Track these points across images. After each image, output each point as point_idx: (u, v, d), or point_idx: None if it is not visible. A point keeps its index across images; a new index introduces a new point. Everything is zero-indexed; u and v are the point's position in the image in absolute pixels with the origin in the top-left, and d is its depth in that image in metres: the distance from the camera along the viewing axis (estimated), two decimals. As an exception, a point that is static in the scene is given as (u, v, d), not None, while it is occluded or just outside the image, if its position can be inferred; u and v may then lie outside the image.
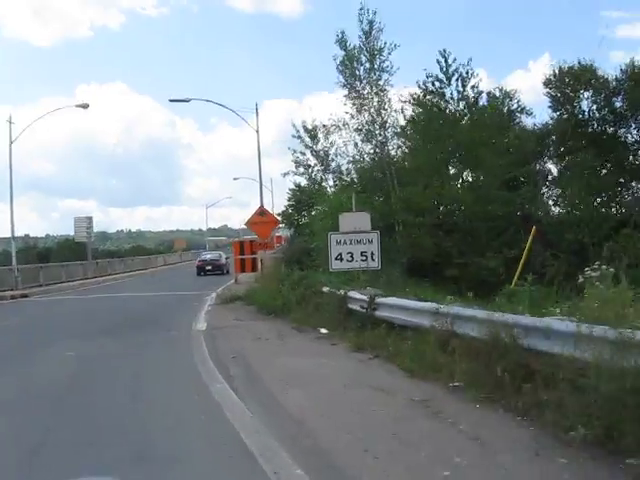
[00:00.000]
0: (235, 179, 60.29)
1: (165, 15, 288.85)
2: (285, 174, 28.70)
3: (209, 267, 34.40)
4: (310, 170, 28.05)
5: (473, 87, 20.07)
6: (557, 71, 26.02)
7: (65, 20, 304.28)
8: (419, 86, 19.02)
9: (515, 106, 26.23)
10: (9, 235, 28.93)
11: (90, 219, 38.15)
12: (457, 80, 20.02)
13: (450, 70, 20.11)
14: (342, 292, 11.18)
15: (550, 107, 26.43)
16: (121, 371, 7.98)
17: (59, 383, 7.36)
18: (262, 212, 22.19)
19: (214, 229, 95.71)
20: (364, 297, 10.41)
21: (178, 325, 13.23)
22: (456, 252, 16.56)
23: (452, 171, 19.50)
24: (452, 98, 19.47)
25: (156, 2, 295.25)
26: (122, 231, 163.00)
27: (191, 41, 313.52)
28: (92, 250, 50.09)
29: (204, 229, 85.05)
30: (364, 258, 14.43)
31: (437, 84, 19.51)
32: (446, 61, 20.19)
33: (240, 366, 7.96)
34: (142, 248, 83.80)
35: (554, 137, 25.76)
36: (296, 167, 28.22)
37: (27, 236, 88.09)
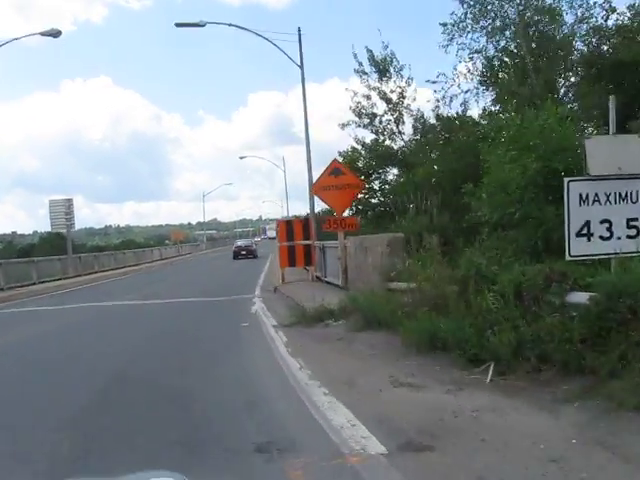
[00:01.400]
0: (242, 158, 52.50)
1: (148, 7, 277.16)
2: (345, 125, 20.40)
3: (243, 252, 40.04)
4: (378, 120, 19.76)
5: None
6: None
7: (48, 15, 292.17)
8: None
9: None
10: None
11: (70, 202, 29.39)
12: None
13: None
14: None
15: None
16: None
17: None
18: (336, 169, 13.80)
19: (203, 223, 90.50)
20: None
21: (269, 410, 5.15)
22: None
23: None
24: None
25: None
26: (110, 227, 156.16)
27: (175, 33, 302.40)
28: (79, 246, 41.55)
29: (193, 223, 78.17)
30: (633, 232, 6.51)
31: None
32: None
33: None
34: (133, 242, 75.46)
35: None
36: (359, 117, 19.95)
37: (14, 233, 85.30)
